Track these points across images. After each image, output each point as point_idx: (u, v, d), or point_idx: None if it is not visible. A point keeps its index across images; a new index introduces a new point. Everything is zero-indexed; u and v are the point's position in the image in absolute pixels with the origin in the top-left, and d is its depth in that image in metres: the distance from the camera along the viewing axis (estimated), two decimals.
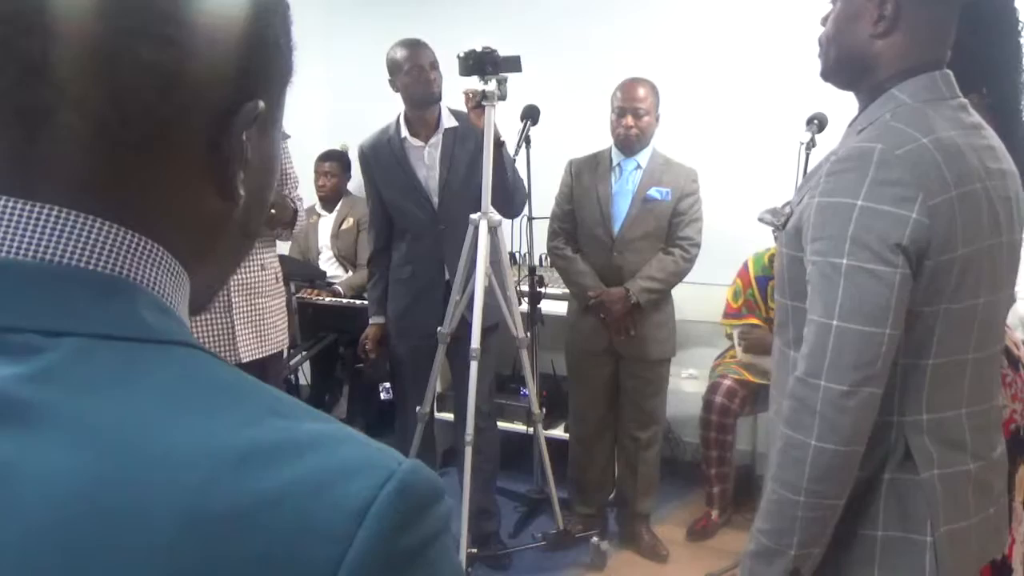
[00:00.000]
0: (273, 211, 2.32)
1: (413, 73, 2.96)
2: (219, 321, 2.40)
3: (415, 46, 2.99)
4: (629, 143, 3.18)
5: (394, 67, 3.00)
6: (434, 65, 2.99)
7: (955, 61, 1.28)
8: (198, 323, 2.34)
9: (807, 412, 1.16)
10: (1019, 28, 1.56)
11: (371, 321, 3.26)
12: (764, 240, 3.32)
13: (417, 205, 3.08)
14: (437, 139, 3.07)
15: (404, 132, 3.07)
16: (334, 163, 4.45)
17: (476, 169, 2.90)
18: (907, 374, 1.21)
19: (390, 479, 0.43)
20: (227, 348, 2.41)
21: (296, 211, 2.74)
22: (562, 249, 3.29)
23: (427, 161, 3.08)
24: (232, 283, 2.39)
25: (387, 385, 3.25)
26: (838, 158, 1.20)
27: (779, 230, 1.32)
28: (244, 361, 2.43)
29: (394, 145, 3.07)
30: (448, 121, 3.08)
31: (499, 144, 2.84)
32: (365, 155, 3.15)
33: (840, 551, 1.25)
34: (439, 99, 3.03)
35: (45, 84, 0.45)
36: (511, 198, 2.96)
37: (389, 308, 3.21)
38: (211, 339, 2.38)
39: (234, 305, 2.42)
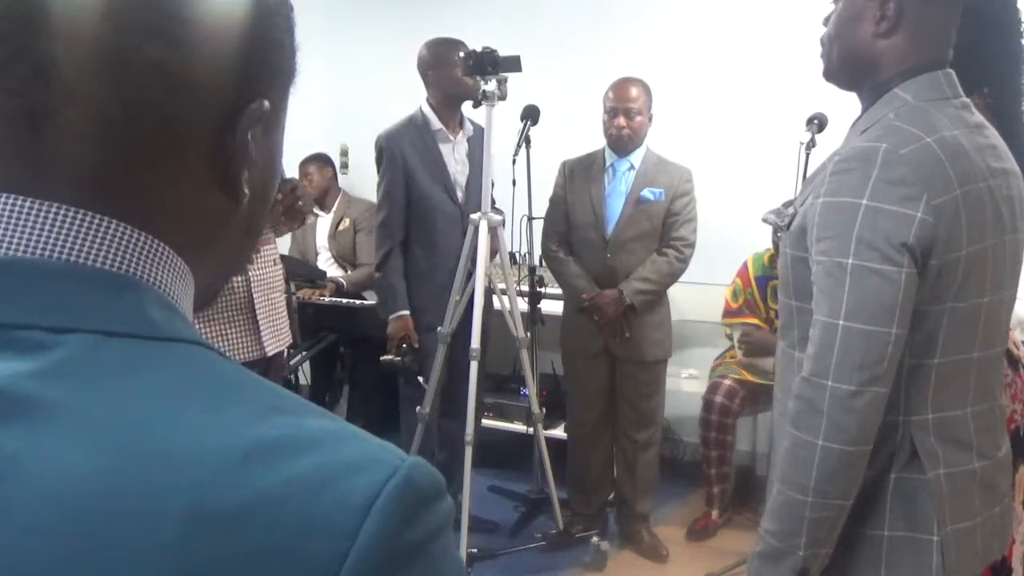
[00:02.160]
0: (300, 203, 2.34)
1: (459, 76, 2.99)
2: (242, 318, 2.42)
3: (464, 46, 3.02)
4: (621, 143, 3.18)
5: (439, 60, 3.04)
6: None
7: (957, 62, 1.29)
8: (224, 320, 2.36)
9: (814, 412, 1.16)
10: (1021, 29, 1.57)
11: (399, 313, 3.14)
12: (764, 240, 3.33)
13: (446, 196, 3.13)
14: (463, 137, 3.17)
15: (437, 124, 3.12)
16: (313, 164, 4.43)
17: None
18: (913, 373, 1.21)
19: (394, 475, 0.43)
20: (253, 343, 2.43)
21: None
22: (555, 251, 3.29)
23: (456, 156, 3.16)
24: (252, 279, 2.41)
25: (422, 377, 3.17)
26: (842, 158, 1.20)
27: (783, 230, 1.32)
28: (269, 355, 2.45)
29: (425, 134, 3.12)
30: (469, 122, 3.19)
31: None
32: (393, 141, 3.12)
33: (847, 551, 1.25)
34: (460, 102, 3.12)
35: (52, 84, 0.45)
36: None
37: (412, 300, 3.15)
38: (237, 335, 2.39)
39: (255, 301, 2.44)
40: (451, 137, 3.15)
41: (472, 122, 3.21)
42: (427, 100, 3.16)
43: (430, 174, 3.12)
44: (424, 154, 3.12)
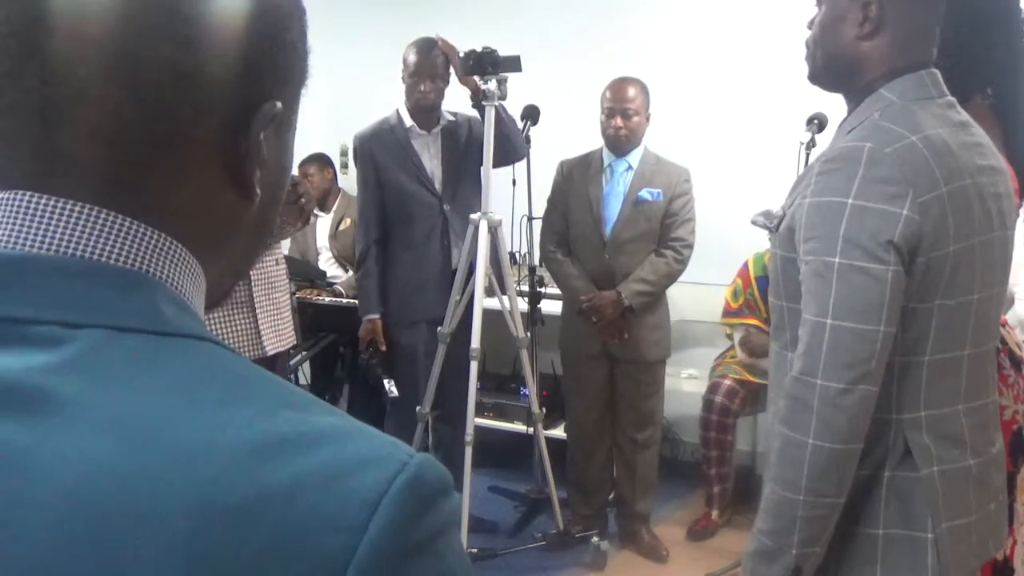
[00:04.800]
0: (303, 200, 2.34)
1: (411, 81, 3.11)
2: (243, 316, 2.42)
3: (423, 54, 3.08)
4: (619, 144, 3.18)
5: (404, 65, 3.14)
6: (435, 76, 3.09)
7: (959, 62, 1.29)
8: (223, 319, 2.36)
9: (804, 411, 1.17)
10: (1022, 29, 1.57)
11: (369, 316, 3.22)
12: (764, 240, 3.31)
13: (422, 189, 3.17)
14: (438, 130, 3.20)
15: (409, 121, 3.17)
16: (314, 165, 4.44)
17: (467, 158, 3.16)
18: (904, 371, 1.21)
19: (402, 471, 0.43)
20: (253, 342, 2.43)
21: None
22: (553, 252, 3.29)
23: (431, 151, 3.20)
24: (253, 278, 2.42)
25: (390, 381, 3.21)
26: (828, 158, 1.21)
27: (772, 232, 1.33)
28: (269, 355, 2.45)
29: (398, 133, 3.18)
30: (446, 115, 3.22)
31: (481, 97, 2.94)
32: (365, 143, 3.19)
33: (842, 550, 1.25)
34: (430, 110, 3.16)
35: (66, 83, 0.46)
36: (509, 150, 3.07)
37: (393, 295, 3.21)
38: (237, 334, 2.39)
39: (256, 300, 2.44)
40: (422, 132, 3.19)
41: (452, 113, 3.23)
42: (405, 99, 3.23)
43: (403, 171, 3.17)
44: (396, 152, 3.17)
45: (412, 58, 3.09)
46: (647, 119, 3.20)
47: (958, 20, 1.30)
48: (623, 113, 3.13)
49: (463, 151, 3.21)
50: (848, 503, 1.21)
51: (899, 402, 1.22)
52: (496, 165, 3.00)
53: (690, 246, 3.20)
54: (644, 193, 3.18)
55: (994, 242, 1.24)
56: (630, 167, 3.21)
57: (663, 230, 3.20)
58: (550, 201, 3.33)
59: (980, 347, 1.26)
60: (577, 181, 3.26)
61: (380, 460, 0.44)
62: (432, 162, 3.20)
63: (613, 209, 3.21)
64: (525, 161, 3.26)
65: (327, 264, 4.42)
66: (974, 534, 1.26)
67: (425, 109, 3.13)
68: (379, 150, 3.17)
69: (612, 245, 3.20)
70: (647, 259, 3.18)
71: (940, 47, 1.28)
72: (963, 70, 1.30)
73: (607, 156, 3.24)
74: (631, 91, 3.14)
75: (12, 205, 0.46)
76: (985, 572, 1.52)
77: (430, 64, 3.07)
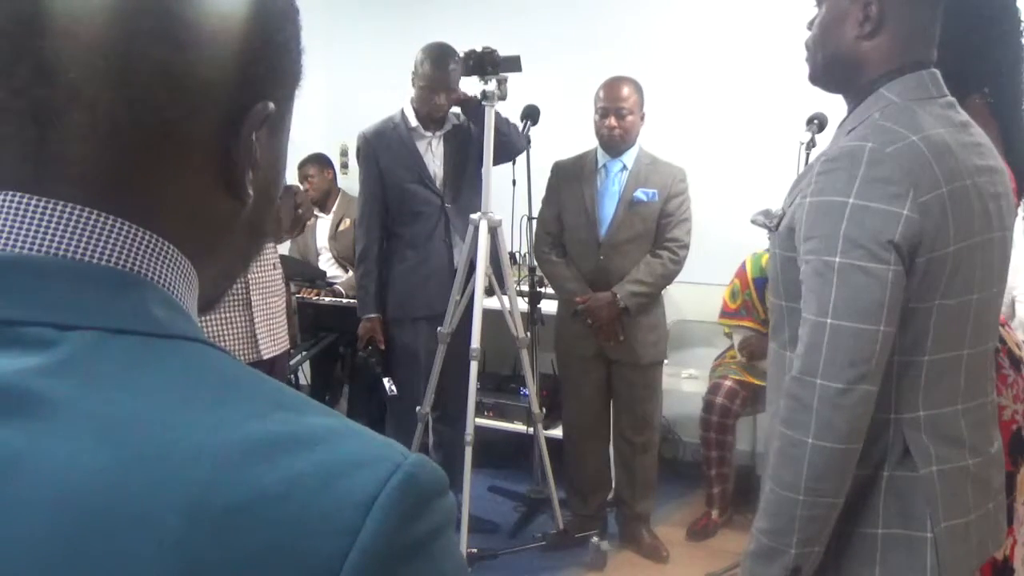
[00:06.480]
0: (300, 211, 2.36)
1: (423, 93, 3.13)
2: (239, 319, 2.43)
3: (439, 68, 3.08)
4: (613, 144, 3.16)
5: (415, 72, 3.15)
6: (451, 90, 3.11)
7: (956, 62, 1.29)
8: (220, 322, 2.38)
9: (803, 410, 1.17)
10: (1021, 28, 1.57)
11: (368, 316, 3.25)
12: (764, 240, 3.31)
13: (424, 187, 3.20)
14: (442, 132, 3.23)
15: (414, 122, 3.20)
16: (313, 166, 4.45)
17: (469, 157, 3.19)
18: (903, 371, 1.21)
19: (396, 472, 0.43)
20: (248, 346, 2.44)
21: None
22: (547, 253, 3.28)
23: (434, 151, 3.23)
24: (251, 282, 2.43)
25: (388, 379, 3.23)
26: (828, 158, 1.21)
27: (772, 232, 1.33)
28: (264, 358, 2.46)
29: (402, 132, 3.21)
30: (450, 117, 3.25)
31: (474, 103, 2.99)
32: (369, 141, 3.22)
33: (841, 550, 1.25)
34: (443, 120, 3.21)
35: (57, 84, 0.46)
36: (505, 143, 3.10)
37: (395, 292, 3.23)
38: (233, 337, 2.41)
39: (253, 303, 2.45)
40: (427, 133, 3.22)
41: (455, 115, 3.27)
42: (411, 99, 3.24)
43: (407, 170, 3.20)
44: (400, 151, 3.20)
45: (427, 69, 3.08)
46: (641, 118, 3.18)
47: (955, 19, 1.30)
48: (617, 113, 3.12)
49: (466, 150, 3.23)
50: (847, 503, 1.21)
51: (898, 402, 1.22)
52: (496, 162, 3.02)
53: (686, 247, 3.18)
54: (639, 193, 3.16)
55: (993, 242, 1.24)
56: (625, 167, 3.20)
57: (659, 231, 3.19)
58: (544, 202, 3.32)
59: (979, 347, 1.26)
60: (571, 182, 3.25)
61: (374, 461, 0.43)
62: (435, 162, 3.22)
63: (608, 210, 3.20)
64: (525, 161, 3.26)
65: (327, 264, 4.42)
66: (973, 533, 1.26)
67: (439, 120, 3.18)
68: (383, 149, 3.19)
69: (607, 246, 3.18)
70: (643, 260, 3.17)
71: (937, 46, 1.28)
72: (960, 69, 1.30)
73: (601, 156, 3.23)
74: (624, 90, 3.12)
75: (2, 207, 0.46)
76: (985, 572, 1.52)
77: (445, 78, 3.08)
